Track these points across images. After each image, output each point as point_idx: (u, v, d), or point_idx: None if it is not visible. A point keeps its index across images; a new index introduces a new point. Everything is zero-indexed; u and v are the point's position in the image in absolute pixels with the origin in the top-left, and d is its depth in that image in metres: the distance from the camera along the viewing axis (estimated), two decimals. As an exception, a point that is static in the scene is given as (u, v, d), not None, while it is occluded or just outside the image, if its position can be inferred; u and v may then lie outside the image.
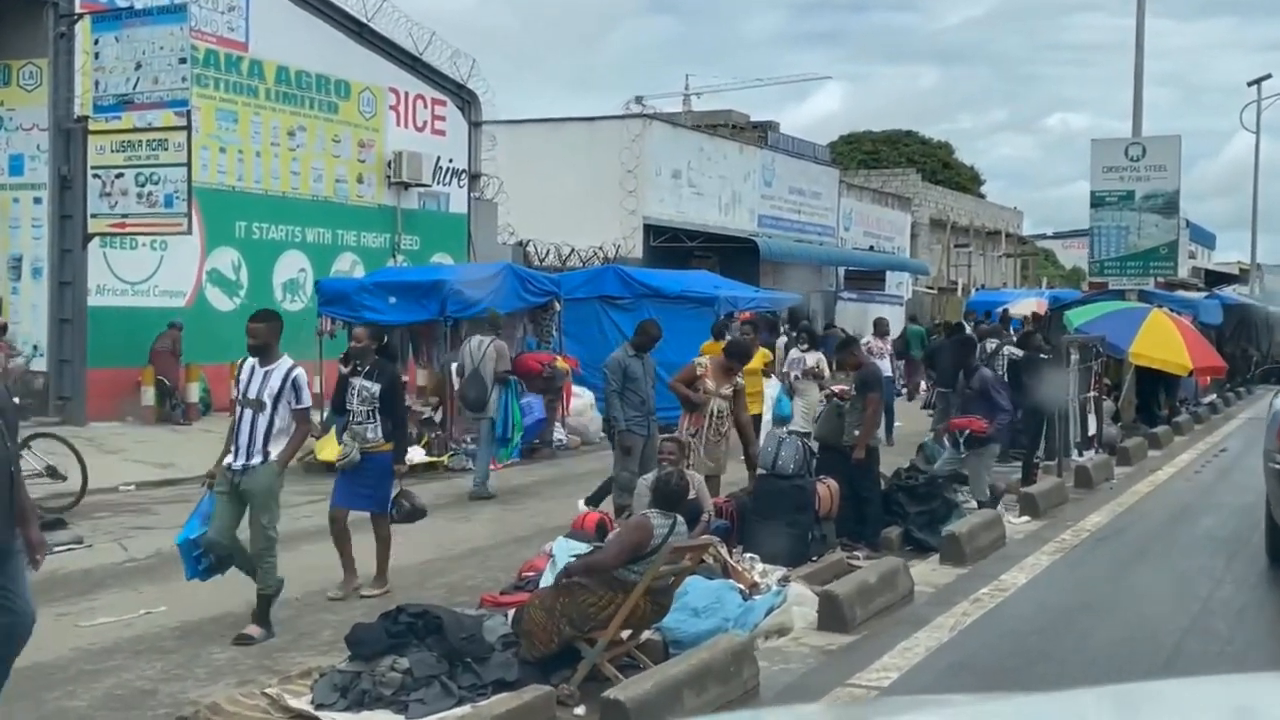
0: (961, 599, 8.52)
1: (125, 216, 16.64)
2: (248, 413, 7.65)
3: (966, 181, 59.65)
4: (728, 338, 13.62)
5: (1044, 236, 70.78)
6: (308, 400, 7.82)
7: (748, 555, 9.02)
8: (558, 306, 17.57)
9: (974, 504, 11.34)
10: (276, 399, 7.62)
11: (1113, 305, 19.60)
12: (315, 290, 17.57)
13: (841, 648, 7.39)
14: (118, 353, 17.38)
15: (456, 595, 8.47)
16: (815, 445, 10.81)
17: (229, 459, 7.68)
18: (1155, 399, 20.10)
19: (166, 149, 16.28)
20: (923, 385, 24.30)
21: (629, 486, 10.22)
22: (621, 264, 23.14)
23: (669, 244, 29.51)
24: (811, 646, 7.39)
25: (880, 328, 19.37)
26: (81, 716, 6.27)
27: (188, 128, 16.29)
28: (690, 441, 10.33)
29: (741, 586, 7.98)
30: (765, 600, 7.75)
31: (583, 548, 7.91)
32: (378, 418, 8.66)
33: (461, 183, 24.20)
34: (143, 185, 16.41)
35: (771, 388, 14.52)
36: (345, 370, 9.40)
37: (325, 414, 12.28)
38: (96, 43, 16.63)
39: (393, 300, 16.00)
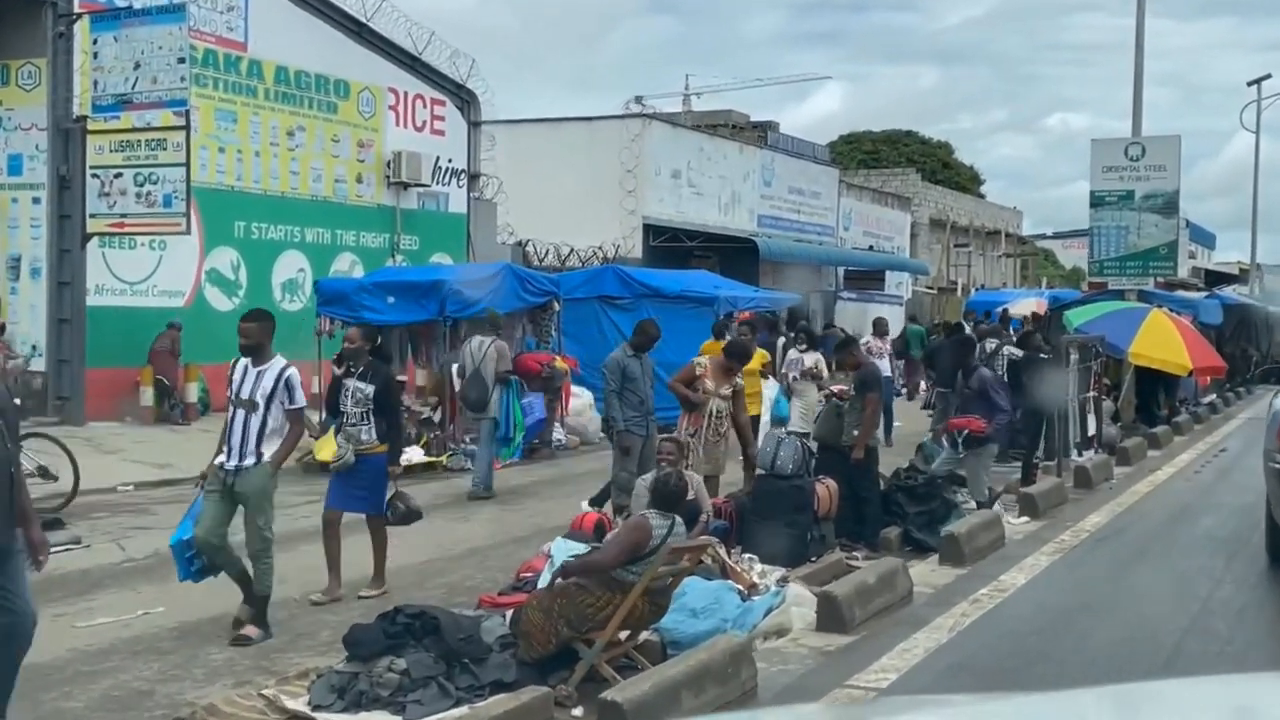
0: (961, 599, 8.50)
1: (124, 216, 16.63)
2: (240, 413, 7.62)
3: (966, 181, 59.65)
4: (728, 338, 13.61)
5: (1044, 236, 70.80)
6: (301, 400, 7.77)
7: (746, 556, 9.00)
8: (557, 306, 17.56)
9: (973, 504, 11.33)
10: (269, 399, 7.59)
11: (1112, 305, 19.59)
12: (314, 290, 17.55)
13: (840, 648, 7.37)
14: (116, 353, 17.36)
15: (455, 596, 8.46)
16: (814, 445, 10.80)
17: (221, 458, 7.65)
18: (1155, 399, 20.08)
19: (165, 149, 16.27)
20: (922, 385, 24.29)
21: (627, 487, 10.21)
22: (621, 264, 23.13)
23: (668, 244, 29.50)
24: (810, 647, 7.37)
25: (879, 328, 19.36)
26: (78, 717, 6.26)
27: (186, 127, 16.28)
28: (689, 442, 10.32)
29: (740, 587, 7.97)
30: (764, 601, 7.74)
31: (581, 548, 7.90)
32: (372, 419, 8.60)
33: (461, 183, 24.18)
34: (141, 185, 16.40)
35: (770, 389, 14.50)
36: (339, 371, 9.35)
37: (324, 414, 12.26)
38: (95, 42, 16.62)
39: (391, 300, 15.99)
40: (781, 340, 18.28)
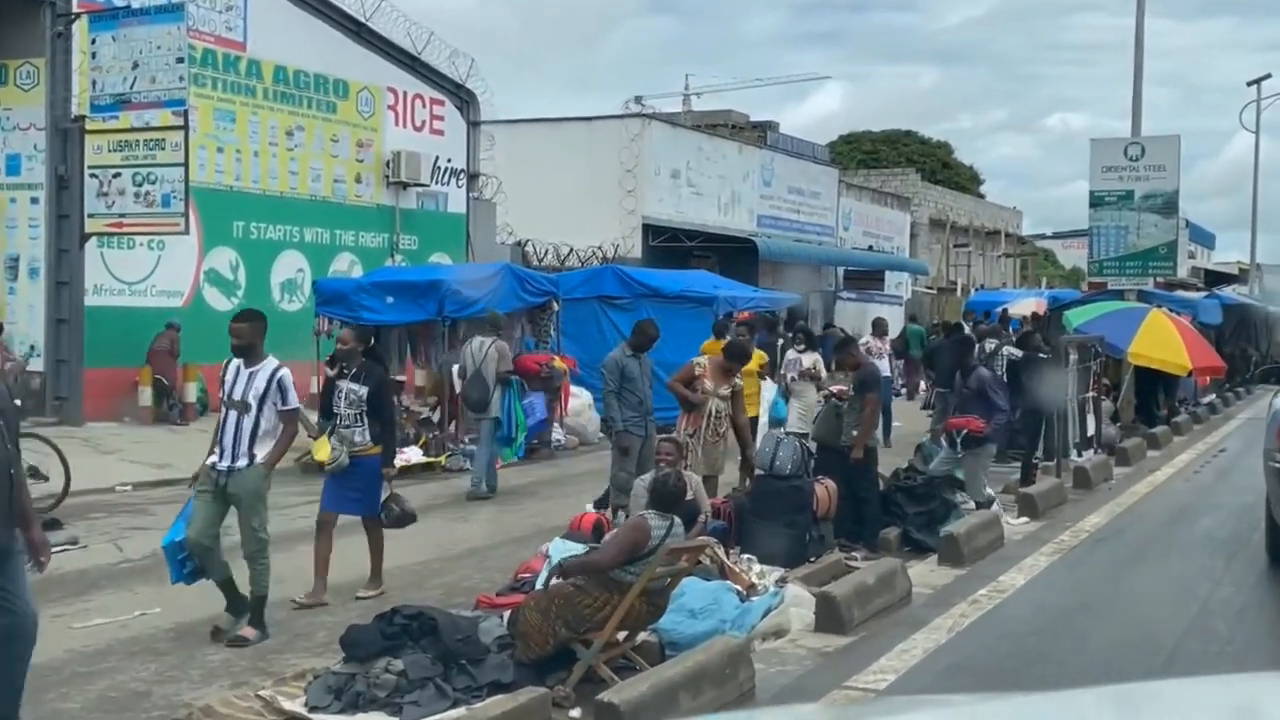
0: (959, 600, 8.49)
1: (122, 216, 16.61)
2: (233, 414, 7.59)
3: (966, 181, 59.64)
4: (728, 338, 13.60)
5: (1043, 236, 70.75)
6: (294, 402, 7.72)
7: (745, 556, 8.99)
8: (556, 306, 17.55)
9: (971, 505, 11.31)
10: (262, 400, 7.55)
11: (1112, 305, 19.58)
12: (313, 290, 17.54)
13: (839, 649, 7.36)
14: (115, 353, 17.34)
15: (453, 596, 8.44)
16: (813, 446, 10.78)
17: (213, 458, 7.62)
18: (1154, 399, 20.08)
19: (164, 149, 16.25)
20: (922, 385, 24.28)
21: (626, 487, 10.20)
22: (620, 264, 23.11)
23: (668, 244, 29.48)
24: (808, 648, 7.36)
25: (879, 328, 19.34)
26: (75, 718, 6.24)
27: (185, 127, 16.25)
28: (688, 442, 10.31)
29: (739, 588, 7.96)
30: (762, 602, 7.73)
31: (579, 549, 7.89)
32: (365, 420, 8.54)
33: (460, 182, 24.16)
34: (140, 185, 16.38)
35: (768, 390, 14.48)
36: (332, 373, 9.29)
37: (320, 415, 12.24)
38: (93, 42, 16.61)
39: (390, 300, 15.99)
40: (780, 341, 18.26)
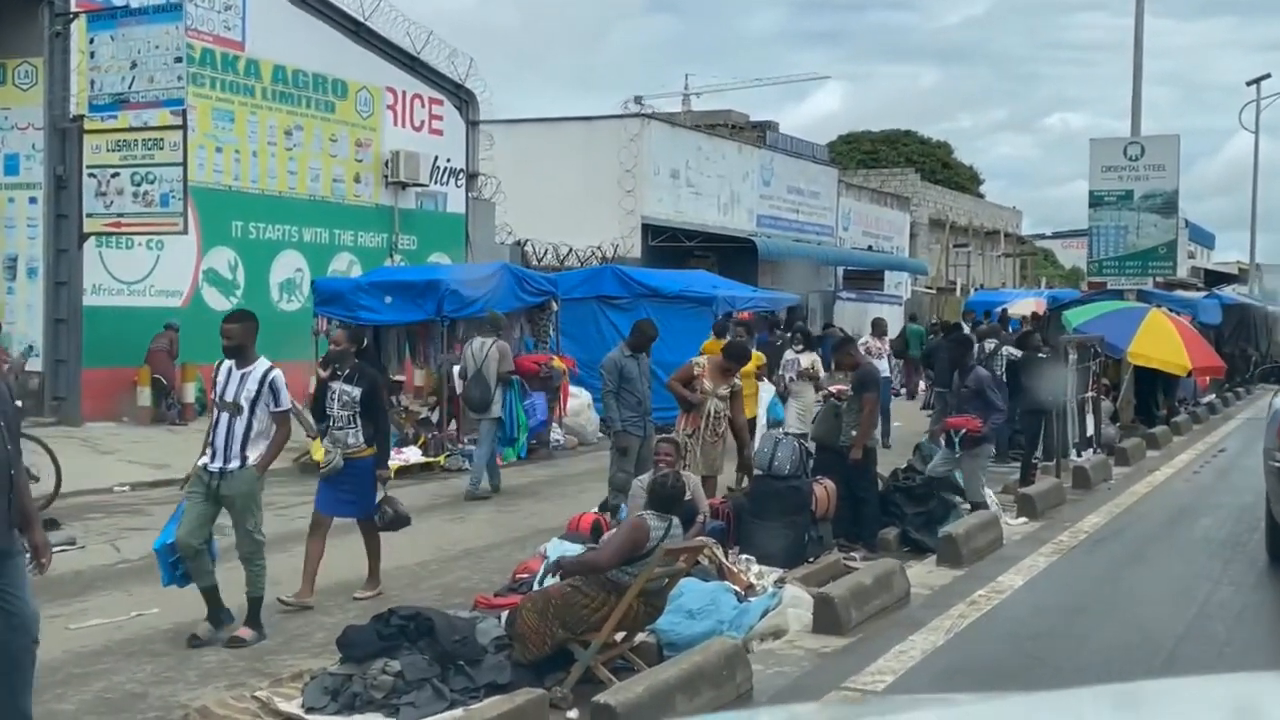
0: (958, 601, 8.47)
1: (121, 216, 16.60)
2: (224, 415, 7.54)
3: (965, 181, 59.64)
4: (728, 338, 13.58)
5: (1043, 236, 70.76)
6: (286, 403, 7.67)
7: (744, 556, 8.97)
8: (555, 306, 17.53)
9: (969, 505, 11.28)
10: (254, 402, 7.51)
11: (1111, 305, 19.56)
12: (312, 290, 17.51)
13: (836, 650, 7.34)
14: (113, 352, 17.32)
15: (451, 597, 8.43)
16: (812, 446, 10.77)
17: (204, 459, 7.57)
18: (1154, 399, 20.07)
19: (162, 148, 16.24)
20: (921, 385, 24.27)
21: (624, 487, 10.19)
22: (619, 264, 23.10)
23: (667, 244, 29.47)
24: (806, 649, 7.34)
25: (878, 328, 19.33)
26: (71, 719, 6.23)
27: (184, 127, 16.24)
28: (686, 442, 10.29)
29: (737, 588, 7.94)
30: (761, 602, 7.71)
31: (578, 549, 7.88)
32: (359, 422, 8.49)
33: (459, 182, 24.14)
34: (138, 185, 16.37)
35: (765, 390, 14.47)
36: (324, 374, 9.22)
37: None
38: (92, 42, 16.59)
39: (389, 300, 15.97)
40: (779, 341, 18.26)
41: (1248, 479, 12.59)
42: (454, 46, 23.73)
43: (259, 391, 7.52)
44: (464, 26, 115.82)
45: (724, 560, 8.51)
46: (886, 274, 39.65)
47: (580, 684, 6.34)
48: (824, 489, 9.95)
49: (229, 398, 7.55)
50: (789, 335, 16.64)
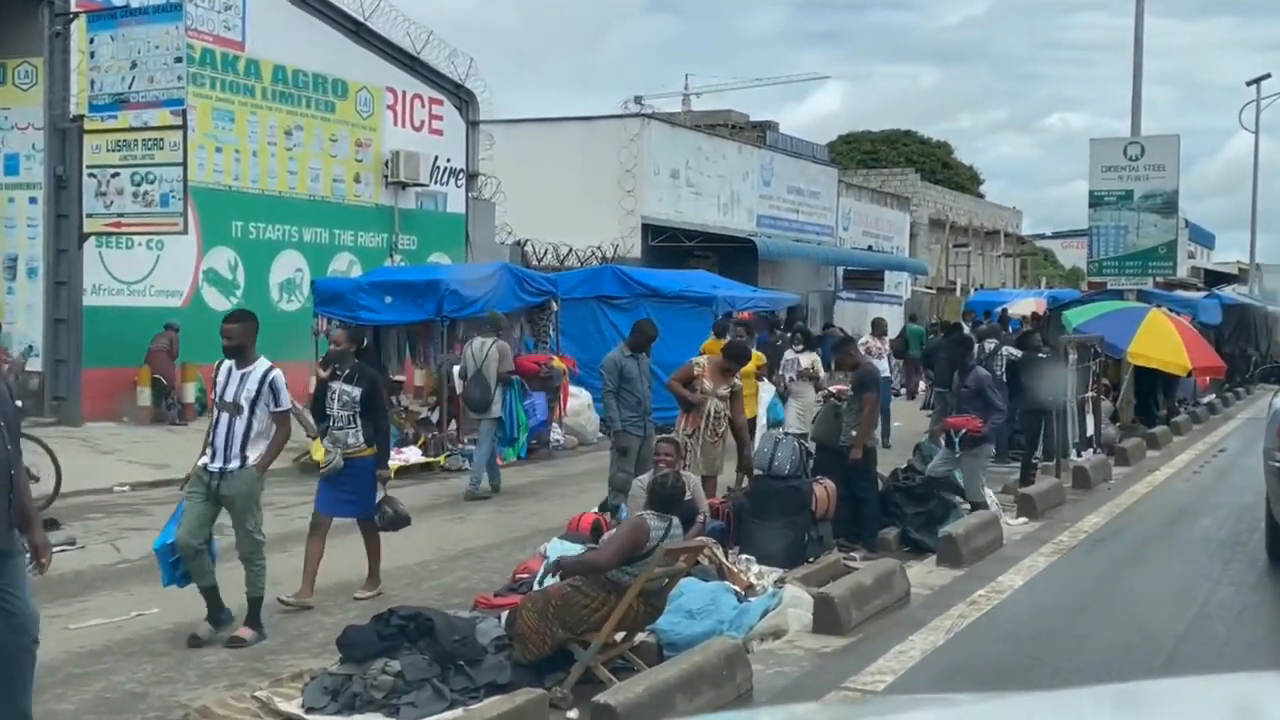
0: (958, 601, 8.47)
1: (121, 216, 16.60)
2: (224, 415, 7.53)
3: (965, 181, 59.63)
4: (728, 338, 13.58)
5: (1043, 236, 70.75)
6: (286, 403, 7.66)
7: (744, 556, 8.97)
8: (554, 306, 17.53)
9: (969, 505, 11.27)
10: (254, 402, 7.50)
11: (1111, 305, 19.56)
12: (311, 290, 17.51)
13: (836, 650, 7.34)
14: (113, 352, 17.32)
15: (450, 597, 8.43)
16: (812, 446, 10.77)
17: (204, 459, 7.56)
18: (1154, 399, 20.07)
19: (162, 148, 16.23)
20: (921, 385, 24.27)
21: (624, 487, 10.19)
22: (619, 264, 23.09)
23: (667, 244, 29.47)
24: (806, 649, 7.34)
25: (878, 328, 19.32)
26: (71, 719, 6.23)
27: (183, 127, 16.23)
28: (686, 442, 10.29)
29: (737, 588, 7.94)
30: (761, 602, 7.71)
31: (578, 549, 7.87)
32: (359, 422, 8.47)
33: (459, 182, 24.14)
34: (138, 185, 16.37)
35: (765, 391, 14.47)
36: (324, 374, 9.19)
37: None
38: (92, 41, 16.59)
39: (389, 300, 15.97)
40: (778, 341, 18.26)
41: (1248, 479, 12.59)
42: (454, 46, 23.77)
43: (259, 391, 7.51)
44: (464, 26, 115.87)
45: (724, 560, 8.51)
46: (886, 274, 39.65)
47: (580, 684, 6.34)
48: (824, 489, 9.95)
49: (229, 398, 7.55)
50: (789, 335, 16.63)
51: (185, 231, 16.98)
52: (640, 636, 6.97)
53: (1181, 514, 12.66)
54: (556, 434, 16.83)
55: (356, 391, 8.52)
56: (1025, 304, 26.17)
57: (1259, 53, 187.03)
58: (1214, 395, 25.43)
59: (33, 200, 17.51)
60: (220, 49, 19.34)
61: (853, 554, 9.91)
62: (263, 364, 7.63)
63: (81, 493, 12.30)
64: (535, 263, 24.91)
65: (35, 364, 17.24)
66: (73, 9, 17.12)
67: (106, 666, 6.99)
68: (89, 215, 16.74)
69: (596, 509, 10.41)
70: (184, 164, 16.15)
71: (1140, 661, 7.20)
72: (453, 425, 15.87)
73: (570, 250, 26.43)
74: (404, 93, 22.90)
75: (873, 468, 10.74)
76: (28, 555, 5.64)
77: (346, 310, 15.73)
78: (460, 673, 6.31)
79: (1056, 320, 19.69)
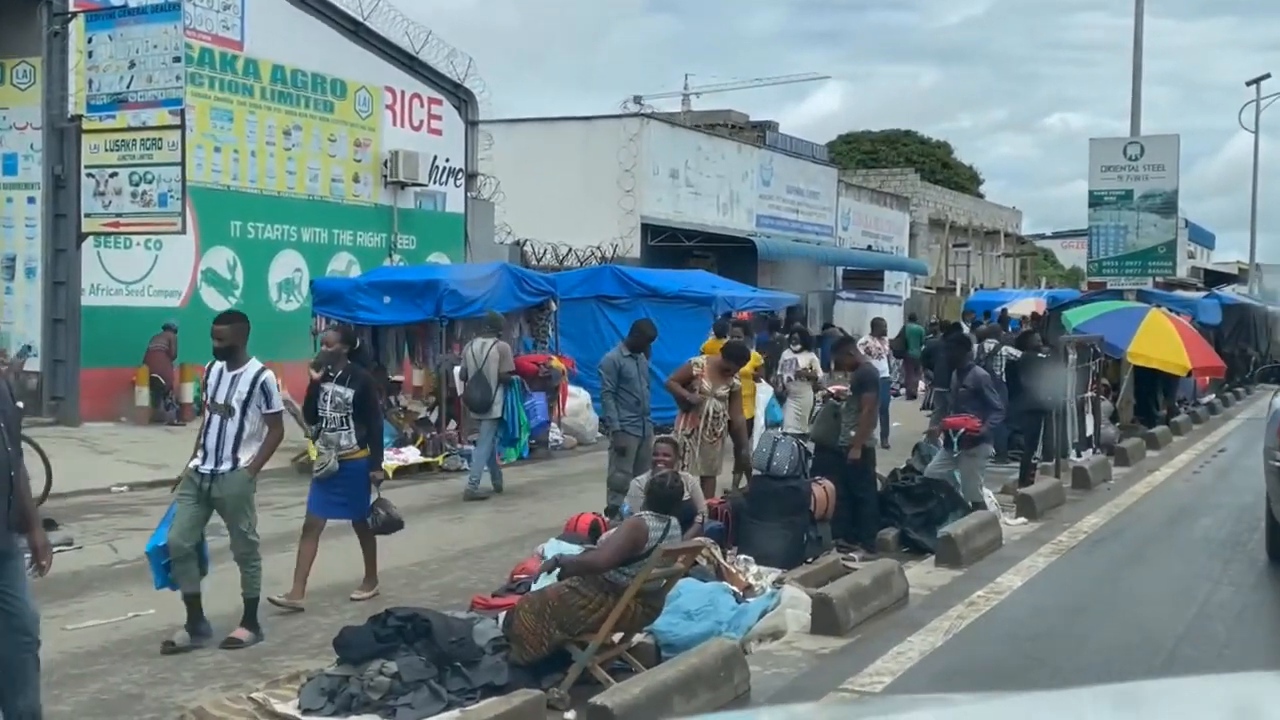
0: (957, 602, 8.45)
1: (119, 216, 16.58)
2: (216, 417, 7.49)
3: (965, 181, 59.62)
4: (728, 338, 13.56)
5: (1043, 236, 70.74)
6: (278, 404, 7.61)
7: (742, 557, 8.95)
8: (553, 306, 17.51)
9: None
10: (245, 404, 7.45)
11: (1111, 305, 19.54)
12: (310, 290, 17.50)
13: (834, 651, 7.32)
14: (112, 352, 17.30)
15: (448, 598, 8.41)
16: (811, 446, 10.75)
17: (195, 461, 7.51)
18: (1153, 399, 20.05)
19: (160, 148, 16.22)
20: (921, 385, 24.25)
21: (622, 487, 10.18)
22: (619, 264, 23.07)
23: (667, 243, 29.45)
24: (804, 650, 7.31)
25: (878, 328, 19.31)
26: (66, 721, 6.21)
27: (182, 127, 16.22)
28: (685, 442, 10.27)
29: (735, 589, 7.92)
30: (759, 603, 7.69)
31: (576, 550, 7.85)
32: (351, 424, 8.41)
33: (458, 182, 24.12)
34: (137, 184, 16.35)
35: (763, 391, 14.45)
36: (316, 376, 9.08)
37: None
38: (90, 41, 16.57)
39: (388, 300, 15.96)
40: (778, 341, 18.24)
41: (1248, 479, 12.57)
42: (453, 46, 23.76)
43: (250, 393, 7.46)
44: (464, 26, 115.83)
45: (722, 561, 8.49)
46: (886, 274, 39.63)
47: (578, 685, 6.32)
48: (823, 489, 9.93)
49: (220, 399, 7.50)
50: (787, 336, 16.61)
51: (183, 231, 16.97)
52: (638, 637, 6.95)
53: (1181, 514, 12.64)
54: (555, 434, 16.81)
55: (349, 393, 8.45)
56: (1025, 304, 26.16)
57: (1259, 53, 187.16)
58: (1214, 395, 25.41)
59: (31, 200, 17.49)
60: (219, 48, 19.32)
61: (851, 554, 9.89)
62: (254, 365, 7.58)
63: (79, 493, 12.29)
64: (534, 263, 24.89)
65: (34, 364, 17.23)
66: (71, 8, 17.10)
67: (103, 667, 6.97)
68: (87, 215, 16.72)
69: (604, 514, 10.37)
70: (182, 164, 16.14)
71: (1140, 662, 7.18)
72: (452, 425, 15.85)
73: (569, 250, 26.41)
74: (403, 92, 22.88)
75: (871, 468, 10.72)
76: (28, 557, 5.62)
77: (345, 310, 15.72)
78: (457, 674, 6.29)
79: (1056, 320, 19.67)
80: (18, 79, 17.57)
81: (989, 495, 11.75)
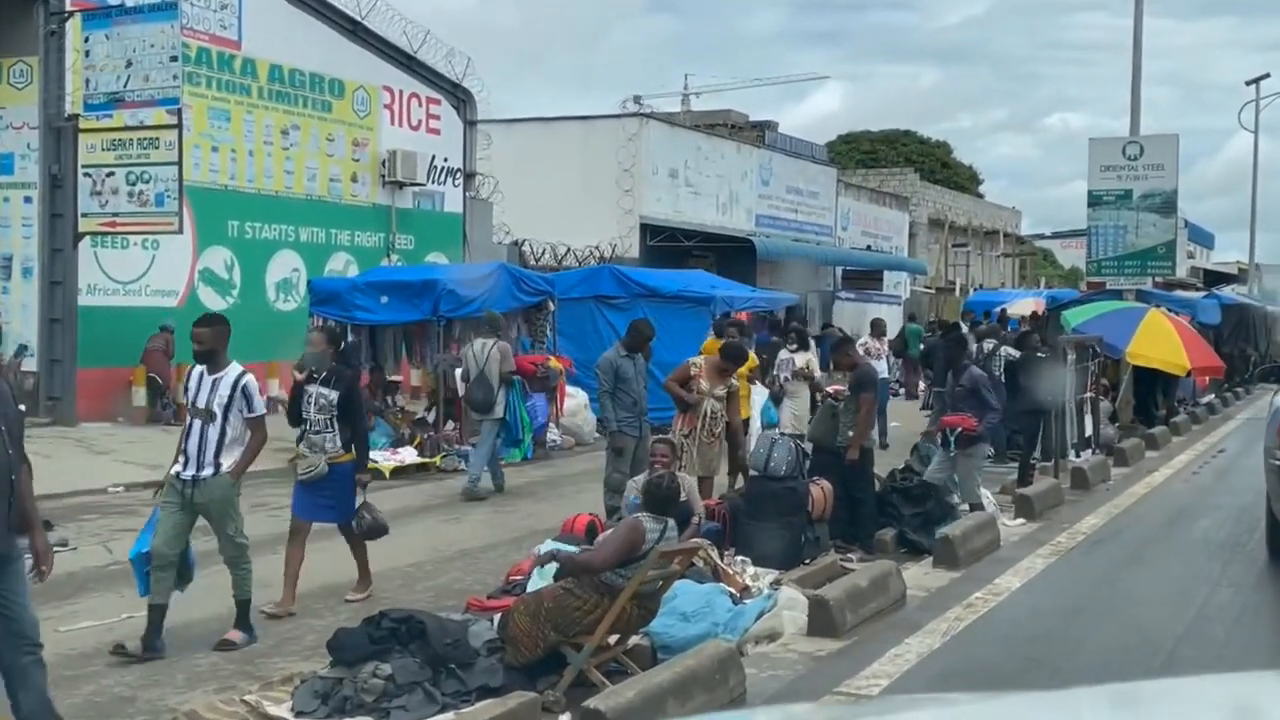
0: (954, 603, 8.41)
1: (116, 215, 16.54)
2: (197, 422, 7.40)
3: (965, 181, 59.59)
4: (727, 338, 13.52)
5: (1042, 236, 70.70)
6: (260, 409, 7.52)
7: (739, 558, 8.93)
8: (552, 306, 17.48)
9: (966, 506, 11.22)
10: (227, 408, 7.37)
11: (1110, 305, 19.51)
12: (308, 290, 17.46)
13: (831, 653, 7.28)
14: (109, 352, 17.27)
15: (444, 599, 8.37)
16: (808, 447, 10.71)
17: (177, 467, 7.42)
18: (1153, 399, 20.02)
19: (157, 147, 16.18)
20: (921, 385, 24.23)
21: (619, 488, 10.15)
22: (618, 263, 23.04)
23: (666, 243, 29.42)
24: (800, 652, 7.27)
25: (877, 328, 19.29)
26: (58, 723, 6.16)
27: (179, 126, 16.18)
28: (683, 443, 10.24)
29: (732, 590, 7.89)
30: (756, 604, 7.66)
31: (573, 551, 7.81)
32: (336, 426, 8.31)
33: (457, 182, 24.09)
34: (134, 184, 16.31)
35: (758, 393, 14.42)
36: (300, 377, 8.95)
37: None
38: (87, 40, 16.53)
39: (385, 300, 15.93)
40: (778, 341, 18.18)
41: (1247, 479, 12.54)
42: (451, 46, 23.73)
43: (231, 397, 7.38)
44: (463, 26, 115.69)
45: (719, 562, 8.46)
46: (885, 274, 39.60)
47: (573, 687, 6.29)
48: (820, 490, 9.90)
49: (201, 404, 7.41)
50: (784, 336, 16.58)
51: (181, 231, 16.92)
52: (634, 639, 6.91)
53: (1180, 515, 12.60)
54: (553, 434, 16.78)
55: (334, 395, 8.35)
56: (1024, 304, 26.14)
57: (1259, 53, 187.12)
58: (1213, 395, 25.39)
59: (27, 200, 17.45)
60: (216, 48, 19.28)
61: (849, 555, 9.86)
62: (234, 369, 7.49)
63: (76, 493, 12.26)
64: (533, 262, 24.86)
65: (30, 364, 17.19)
66: (68, 8, 17.07)
67: (96, 669, 6.94)
68: (84, 215, 16.69)
69: (605, 516, 10.33)
70: (179, 163, 16.10)
71: (1139, 663, 7.14)
72: (450, 426, 15.81)
73: (568, 250, 26.38)
74: (401, 92, 22.84)
75: (870, 468, 10.69)
76: (28, 559, 5.58)
77: (343, 310, 15.69)
78: (452, 676, 6.26)
79: (1055, 320, 19.63)
80: (14, 78, 17.52)
81: (987, 496, 11.72)
